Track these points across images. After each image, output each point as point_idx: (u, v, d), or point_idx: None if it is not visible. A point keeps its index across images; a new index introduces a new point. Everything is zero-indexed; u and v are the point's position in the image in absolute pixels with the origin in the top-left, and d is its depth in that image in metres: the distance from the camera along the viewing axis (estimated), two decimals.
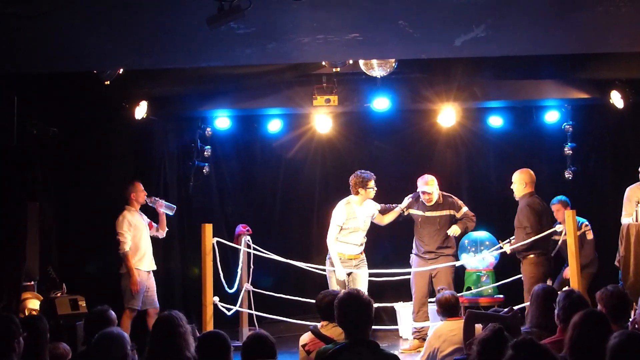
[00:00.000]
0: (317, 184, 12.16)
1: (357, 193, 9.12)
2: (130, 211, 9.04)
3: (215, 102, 10.63)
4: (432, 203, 9.28)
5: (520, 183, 8.98)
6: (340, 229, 9.07)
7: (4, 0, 5.66)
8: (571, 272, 8.34)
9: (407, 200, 9.43)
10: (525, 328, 5.93)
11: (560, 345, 4.57)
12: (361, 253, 9.19)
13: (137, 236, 8.98)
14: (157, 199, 9.35)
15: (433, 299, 9.07)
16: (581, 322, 4.35)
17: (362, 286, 8.84)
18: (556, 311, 5.25)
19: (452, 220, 9.31)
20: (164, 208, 9.36)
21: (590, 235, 9.72)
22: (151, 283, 9.08)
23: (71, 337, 7.70)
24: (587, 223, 9.78)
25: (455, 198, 9.45)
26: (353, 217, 9.10)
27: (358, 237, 9.13)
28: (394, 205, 9.52)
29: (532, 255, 8.76)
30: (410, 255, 9.48)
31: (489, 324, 4.73)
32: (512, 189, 9.05)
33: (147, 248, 9.08)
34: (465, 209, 9.40)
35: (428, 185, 9.22)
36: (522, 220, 8.85)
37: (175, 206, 9.50)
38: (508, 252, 9.18)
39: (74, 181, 9.47)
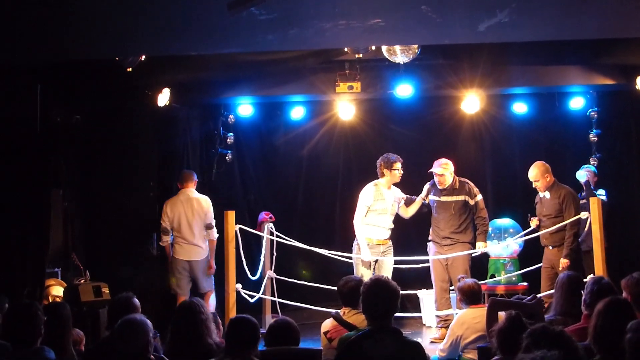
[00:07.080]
0: (340, 171, 12.14)
1: (382, 175, 9.17)
2: None
3: (237, 89, 10.58)
4: (445, 186, 9.18)
5: (543, 177, 8.87)
6: (368, 210, 9.07)
7: None
8: (596, 259, 8.26)
9: (426, 188, 9.39)
10: (550, 316, 5.91)
11: (585, 333, 4.54)
12: (389, 239, 9.19)
13: None
14: None
15: (452, 287, 9.07)
16: (605, 310, 4.33)
17: (388, 274, 8.80)
18: (584, 296, 5.24)
19: (467, 207, 9.17)
20: None
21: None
22: None
23: (94, 323, 7.76)
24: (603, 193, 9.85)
25: (472, 184, 9.29)
26: (381, 199, 9.13)
27: (386, 220, 9.15)
28: (415, 197, 9.47)
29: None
30: (428, 243, 9.42)
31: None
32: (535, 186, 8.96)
33: None
34: (479, 197, 9.22)
35: (441, 167, 9.13)
36: (570, 209, 8.65)
37: None
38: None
39: (97, 168, 9.47)
